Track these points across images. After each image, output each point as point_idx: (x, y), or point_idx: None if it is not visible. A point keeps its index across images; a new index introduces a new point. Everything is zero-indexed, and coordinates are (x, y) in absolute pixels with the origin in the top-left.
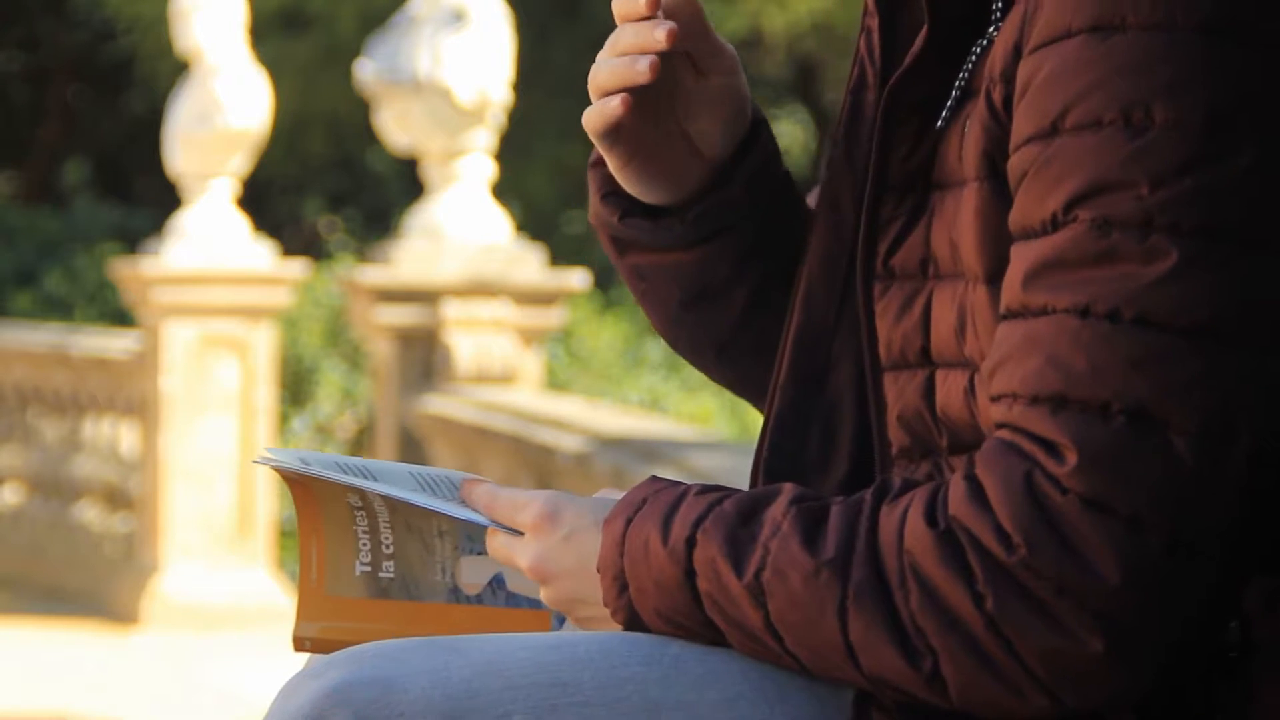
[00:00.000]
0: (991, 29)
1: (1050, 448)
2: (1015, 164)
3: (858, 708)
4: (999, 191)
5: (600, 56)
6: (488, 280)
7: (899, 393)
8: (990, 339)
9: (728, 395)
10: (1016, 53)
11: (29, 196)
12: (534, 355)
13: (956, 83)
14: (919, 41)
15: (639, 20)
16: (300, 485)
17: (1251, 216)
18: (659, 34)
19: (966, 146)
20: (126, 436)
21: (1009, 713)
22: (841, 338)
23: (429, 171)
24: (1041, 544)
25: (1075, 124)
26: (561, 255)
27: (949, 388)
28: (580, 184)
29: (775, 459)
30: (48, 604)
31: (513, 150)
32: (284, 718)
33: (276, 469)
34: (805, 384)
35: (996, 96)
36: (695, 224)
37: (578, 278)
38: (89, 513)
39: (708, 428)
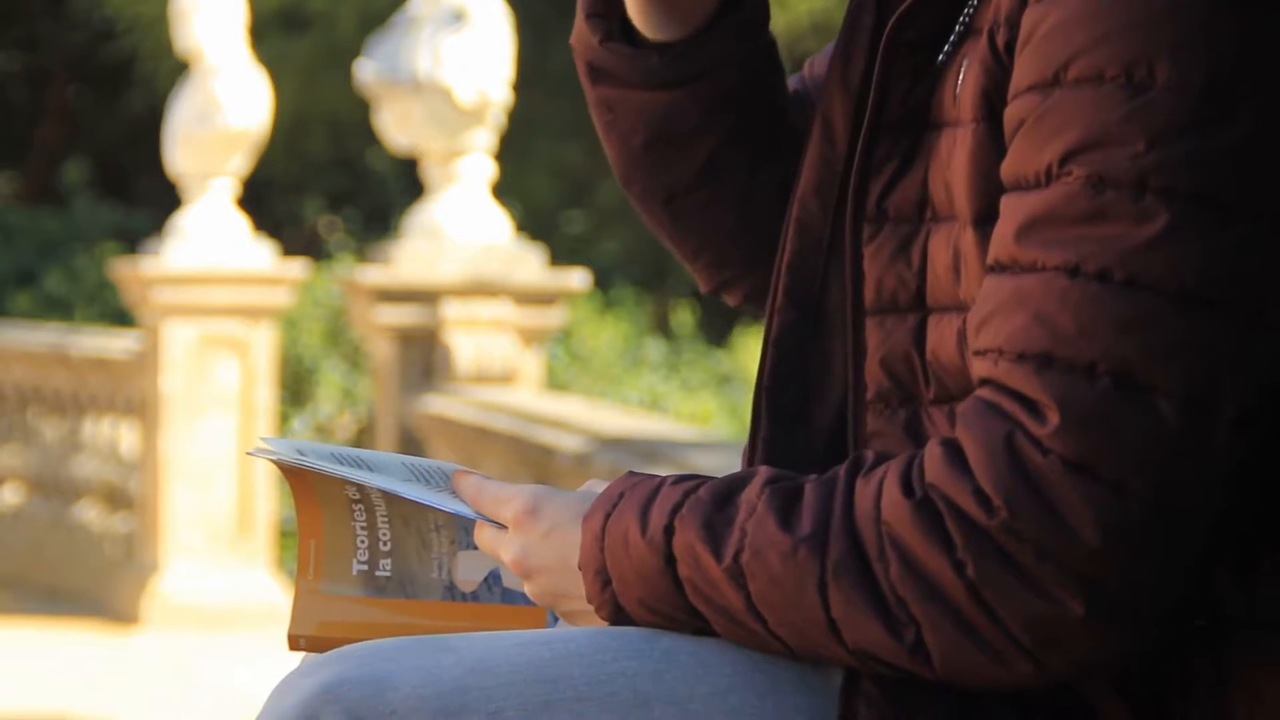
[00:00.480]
0: None
1: (1033, 407)
2: (1013, 112)
3: (845, 697)
4: (993, 135)
5: None
6: (488, 280)
7: (885, 336)
8: (977, 285)
9: (728, 395)
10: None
11: (29, 196)
12: (534, 355)
13: (960, 20)
14: None
15: None
16: (297, 476)
17: (1246, 183)
18: None
19: (964, 86)
20: (126, 436)
21: (993, 681)
22: (834, 265)
23: (429, 171)
24: (1022, 506)
25: (1076, 77)
26: (561, 255)
27: (941, 332)
28: (580, 184)
29: (775, 382)
30: (48, 604)
31: (513, 150)
32: (276, 716)
33: (273, 461)
34: (800, 309)
35: (1000, 39)
36: (675, 62)
37: (578, 278)
38: (89, 513)
39: (708, 428)
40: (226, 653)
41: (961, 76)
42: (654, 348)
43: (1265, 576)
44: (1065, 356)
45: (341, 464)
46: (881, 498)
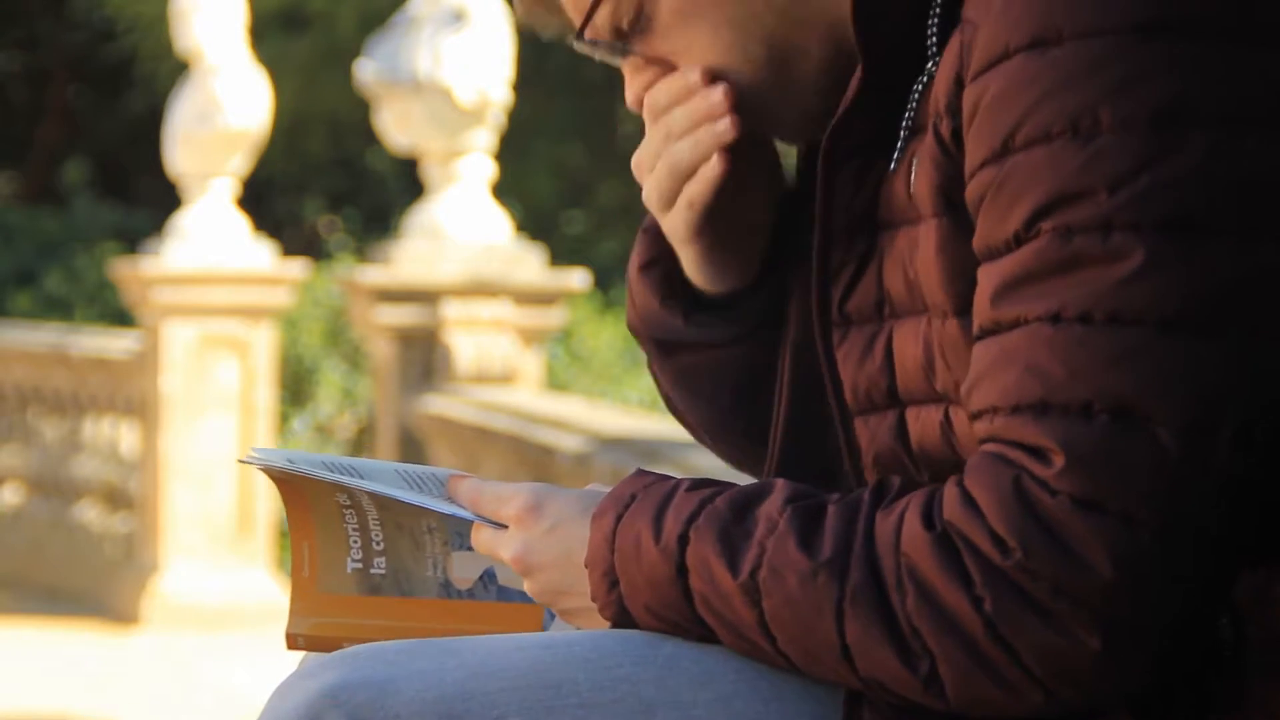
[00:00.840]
0: (930, 64)
1: (1037, 453)
2: (972, 190)
3: (849, 706)
4: (959, 224)
5: (652, 145)
6: (488, 280)
7: (871, 435)
8: (965, 370)
9: None
10: (959, 83)
11: (29, 196)
12: (534, 355)
13: (903, 122)
14: (854, 83)
15: (688, 99)
16: (288, 485)
17: (1211, 205)
18: (716, 97)
19: (918, 184)
20: (126, 436)
21: (1003, 712)
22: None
23: (429, 171)
24: (1036, 546)
25: (1026, 140)
26: (561, 255)
27: (923, 424)
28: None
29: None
30: (48, 604)
31: (513, 150)
32: (279, 718)
33: (264, 469)
34: (805, 433)
35: (944, 130)
36: (744, 314)
37: (578, 278)
38: (89, 513)
39: None
40: (226, 653)
41: (914, 174)
42: None
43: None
44: (1061, 401)
45: (332, 472)
46: (902, 528)
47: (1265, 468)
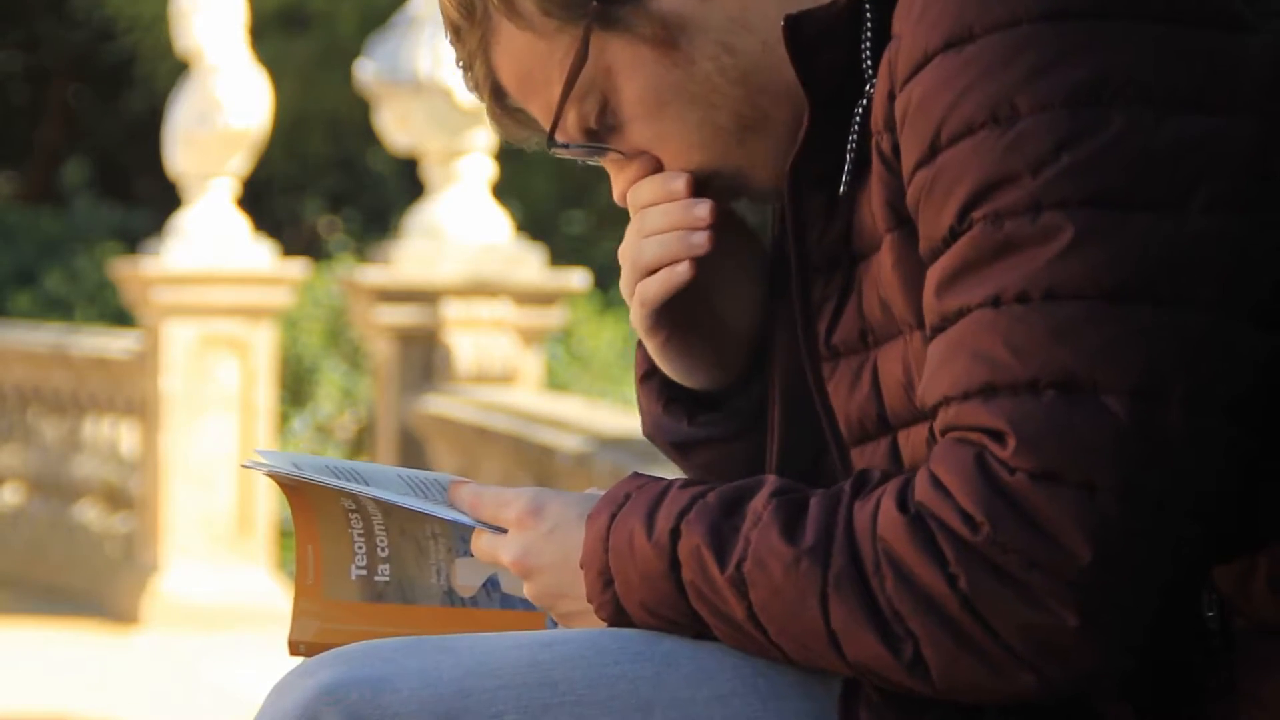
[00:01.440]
0: (867, 87)
1: (993, 434)
2: (910, 196)
3: (846, 703)
4: (909, 237)
5: (630, 239)
6: (488, 280)
7: (868, 465)
8: None
9: None
10: (891, 98)
11: (29, 196)
12: (534, 355)
13: (848, 148)
14: (805, 120)
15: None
16: (294, 489)
17: (1136, 178)
18: (700, 211)
19: (874, 203)
20: (126, 436)
21: (993, 693)
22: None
23: (429, 171)
24: (1004, 521)
25: (950, 137)
26: (561, 255)
27: (913, 445)
28: (580, 184)
29: None
30: (48, 604)
31: (513, 150)
32: (276, 717)
33: (269, 474)
34: (799, 476)
35: (885, 146)
36: (759, 401)
37: (578, 278)
38: (89, 513)
39: None
40: (226, 653)
41: (870, 199)
42: None
43: (1268, 583)
44: (1007, 381)
45: (337, 477)
46: (879, 513)
47: (1244, 442)
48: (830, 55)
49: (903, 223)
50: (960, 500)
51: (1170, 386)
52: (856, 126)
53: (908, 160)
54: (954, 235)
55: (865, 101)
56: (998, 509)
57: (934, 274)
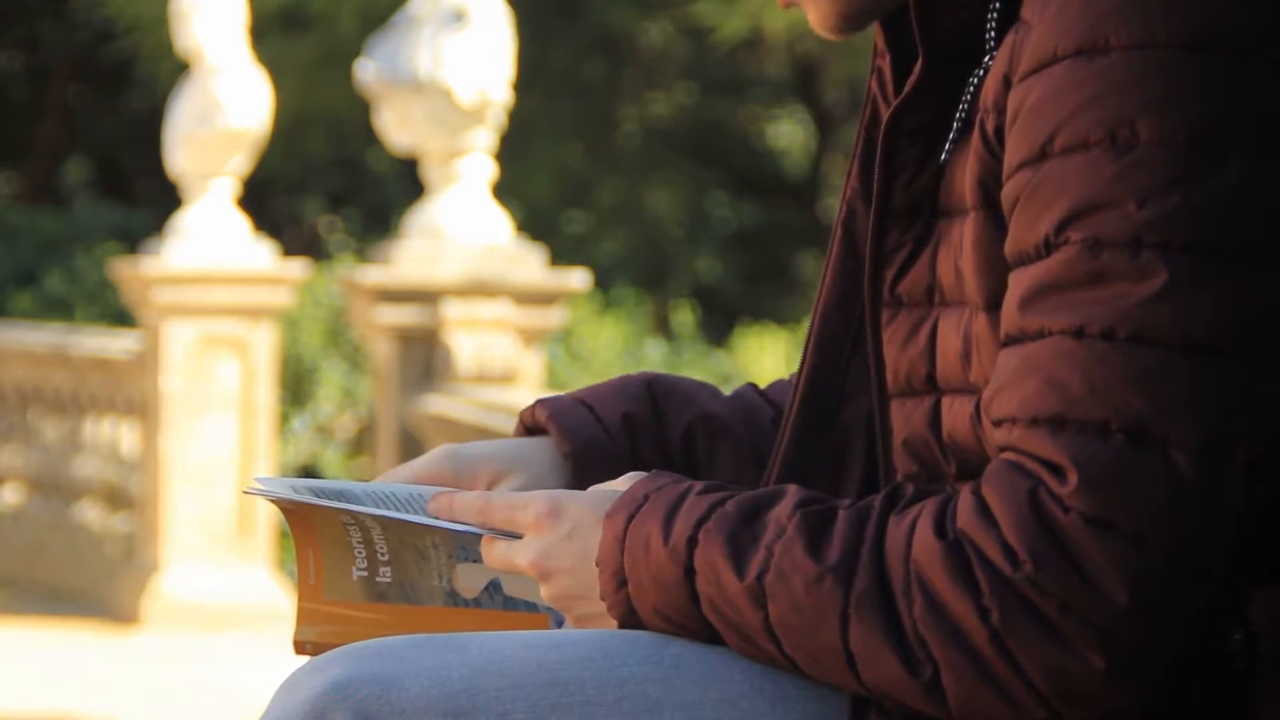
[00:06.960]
0: (987, 59)
1: (1052, 468)
2: (1008, 191)
3: (855, 708)
4: (994, 220)
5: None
6: (488, 280)
7: (905, 419)
8: (993, 366)
9: None
10: (1006, 83)
11: (29, 196)
12: (534, 355)
13: (957, 113)
14: (916, 71)
15: None
16: (293, 512)
17: (1240, 233)
18: None
19: (967, 175)
20: (126, 436)
21: None
22: (855, 375)
23: (429, 171)
24: (1047, 560)
25: (1063, 147)
26: (561, 255)
27: (955, 413)
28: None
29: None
30: (48, 604)
31: (513, 150)
32: (284, 713)
33: (269, 499)
34: (816, 425)
35: (989, 126)
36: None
37: (578, 278)
38: (89, 513)
39: None
40: (226, 653)
41: (965, 167)
42: (654, 348)
43: None
44: (1078, 417)
45: (326, 499)
46: (914, 536)
47: (1276, 498)
48: (955, 18)
49: (990, 204)
50: (1006, 532)
51: (1237, 451)
52: (969, 95)
53: (1013, 155)
54: (1048, 248)
55: (981, 73)
56: (1043, 547)
57: (1020, 283)
